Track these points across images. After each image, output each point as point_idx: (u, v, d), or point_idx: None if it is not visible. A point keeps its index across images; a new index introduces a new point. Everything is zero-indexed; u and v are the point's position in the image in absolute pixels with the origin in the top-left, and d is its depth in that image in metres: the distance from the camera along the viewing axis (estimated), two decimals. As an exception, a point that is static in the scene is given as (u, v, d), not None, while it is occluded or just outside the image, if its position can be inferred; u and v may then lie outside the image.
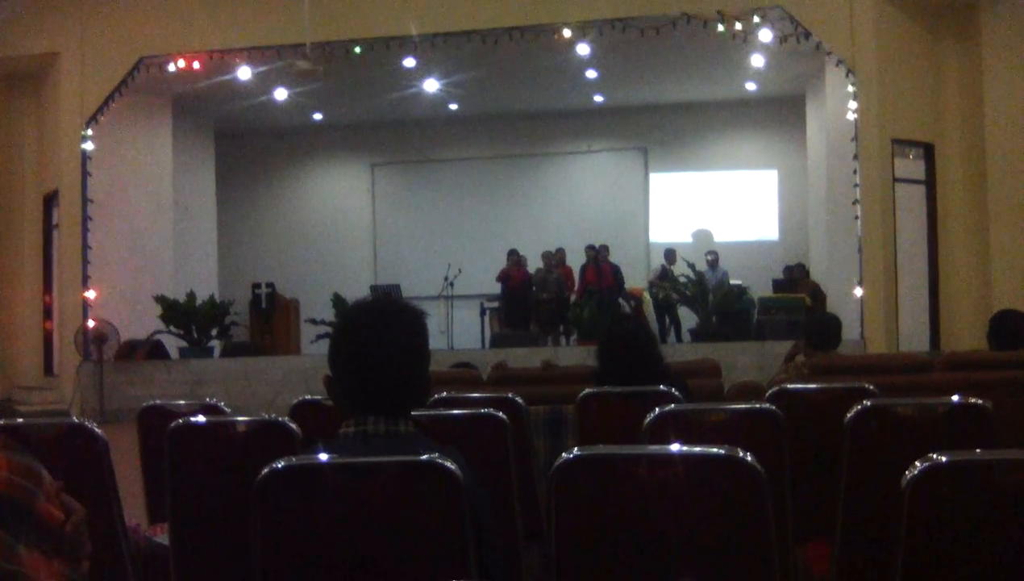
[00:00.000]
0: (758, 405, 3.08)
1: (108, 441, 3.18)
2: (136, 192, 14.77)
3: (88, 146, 13.74)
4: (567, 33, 12.66)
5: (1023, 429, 5.28)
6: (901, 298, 12.15)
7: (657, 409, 3.00)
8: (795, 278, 15.12)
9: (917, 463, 1.93)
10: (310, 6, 11.30)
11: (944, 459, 1.91)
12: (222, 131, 17.21)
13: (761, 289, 14.76)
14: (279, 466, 2.09)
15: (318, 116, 17.51)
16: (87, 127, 13.68)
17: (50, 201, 14.67)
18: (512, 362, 12.09)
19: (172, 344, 13.89)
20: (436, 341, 14.76)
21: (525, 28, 12.60)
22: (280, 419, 3.10)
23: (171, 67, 13.49)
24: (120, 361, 13.07)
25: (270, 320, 15.99)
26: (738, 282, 14.61)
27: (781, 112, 16.69)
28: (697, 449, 2.04)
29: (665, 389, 3.83)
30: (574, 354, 12.56)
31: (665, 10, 12.22)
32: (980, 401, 2.92)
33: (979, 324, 10.85)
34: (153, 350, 13.59)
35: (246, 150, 18.38)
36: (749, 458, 2.01)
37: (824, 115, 13.96)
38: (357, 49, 13.09)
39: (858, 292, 11.89)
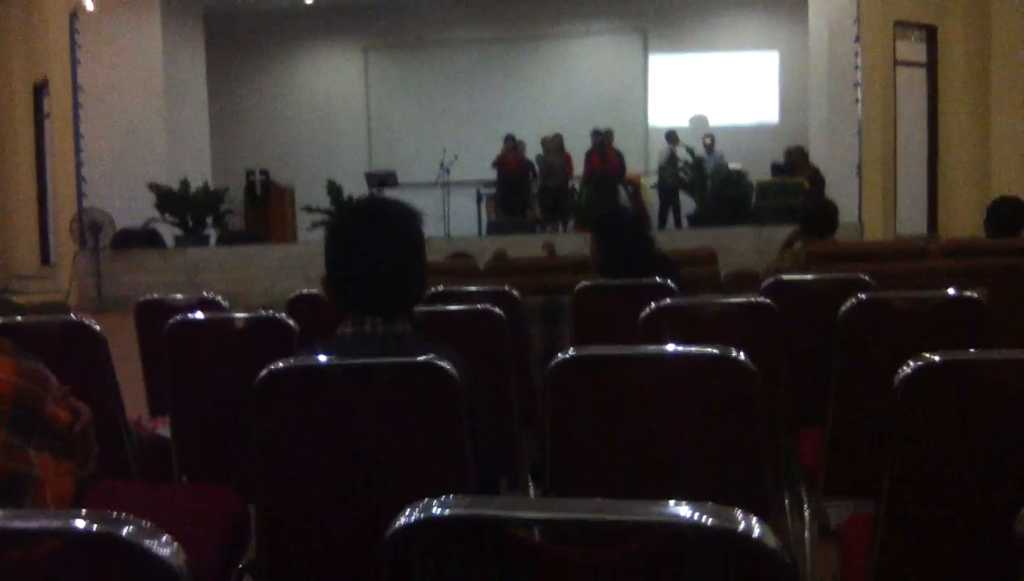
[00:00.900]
0: (753, 299, 3.08)
1: (106, 338, 3.20)
2: (126, 78, 14.54)
3: (76, 33, 13.47)
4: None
5: (1018, 316, 5.34)
6: (899, 182, 12.11)
7: (653, 303, 3.00)
8: (794, 161, 15.00)
9: (910, 362, 1.94)
10: None
11: (937, 358, 1.92)
12: (212, 13, 16.84)
13: (760, 173, 14.64)
14: (278, 367, 2.10)
15: (308, -2, 17.15)
16: (75, 14, 13.40)
17: (40, 90, 14.48)
18: (510, 250, 12.14)
19: (167, 232, 13.87)
20: (433, 228, 14.77)
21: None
22: (278, 315, 3.12)
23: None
24: (116, 249, 13.07)
25: (265, 207, 15.93)
26: (737, 166, 14.50)
27: (783, -9, 16.34)
28: (691, 349, 2.05)
29: (661, 281, 3.83)
30: (572, 241, 12.57)
31: None
32: (975, 294, 2.92)
33: (977, 208, 10.83)
34: (149, 238, 13.58)
35: (237, 33, 18.02)
36: (742, 356, 2.02)
37: (826, -5, 13.68)
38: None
39: (857, 176, 11.84)
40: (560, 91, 17.46)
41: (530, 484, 3.52)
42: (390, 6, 17.60)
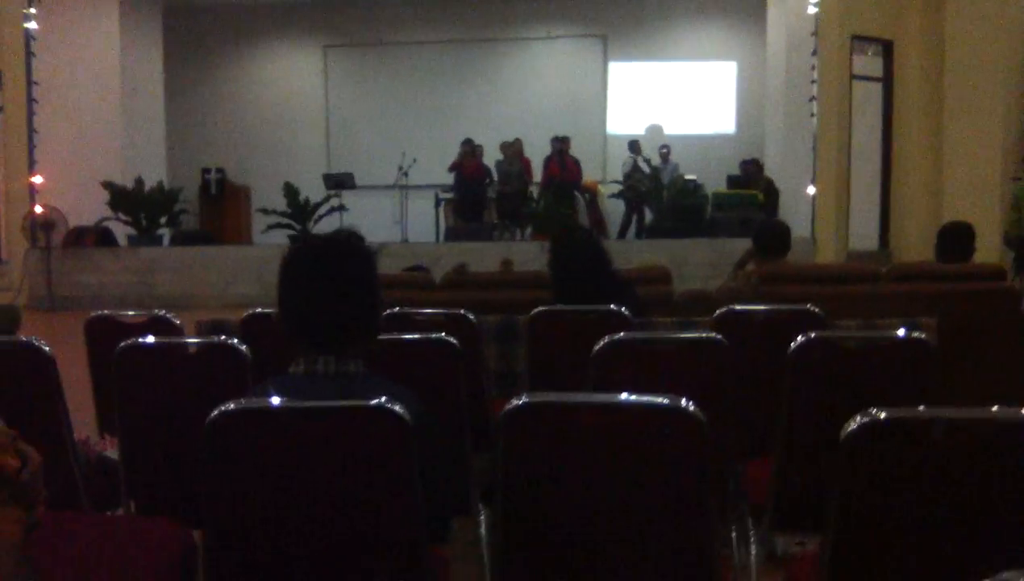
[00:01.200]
0: (704, 335, 3.12)
1: (55, 358, 3.17)
2: (82, 73, 14.36)
3: (32, 25, 13.28)
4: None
5: (967, 341, 5.43)
6: (853, 196, 12.26)
7: (607, 337, 3.03)
8: (749, 173, 15.15)
9: (856, 417, 1.97)
10: None
11: (882, 415, 1.95)
12: (171, 7, 16.68)
13: (716, 184, 14.79)
14: (229, 408, 2.09)
15: (269, -7, 17.05)
16: (30, 5, 13.20)
17: (-8, 83, 14.24)
18: (467, 257, 12.13)
19: (121, 231, 13.71)
20: (390, 232, 14.78)
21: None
22: (230, 341, 3.10)
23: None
24: (68, 248, 12.90)
25: (221, 207, 15.82)
26: (692, 177, 14.61)
27: (742, 3, 16.50)
28: (643, 398, 2.08)
29: (616, 309, 3.86)
30: (529, 249, 12.57)
31: None
32: (923, 335, 2.98)
33: (929, 224, 11.02)
34: (101, 237, 13.42)
35: (196, 28, 17.85)
36: (691, 407, 2.05)
37: (785, 7, 13.83)
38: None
39: (811, 190, 11.96)
40: (520, 95, 17.50)
41: (480, 509, 3.52)
42: (351, 5, 17.54)
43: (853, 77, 12.22)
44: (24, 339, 3.18)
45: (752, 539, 3.27)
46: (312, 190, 14.36)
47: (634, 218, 15.07)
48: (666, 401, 2.07)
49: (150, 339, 3.20)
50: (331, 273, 2.28)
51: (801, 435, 2.98)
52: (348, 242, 2.38)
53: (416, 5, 17.54)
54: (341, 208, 14.13)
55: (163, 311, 4.02)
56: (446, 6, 17.55)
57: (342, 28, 18.05)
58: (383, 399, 2.08)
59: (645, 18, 17.22)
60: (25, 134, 13.32)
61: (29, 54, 13.32)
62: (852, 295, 5.60)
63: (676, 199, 13.68)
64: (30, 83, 13.32)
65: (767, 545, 3.63)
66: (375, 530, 2.18)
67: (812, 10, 11.99)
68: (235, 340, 3.09)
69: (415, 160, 14.97)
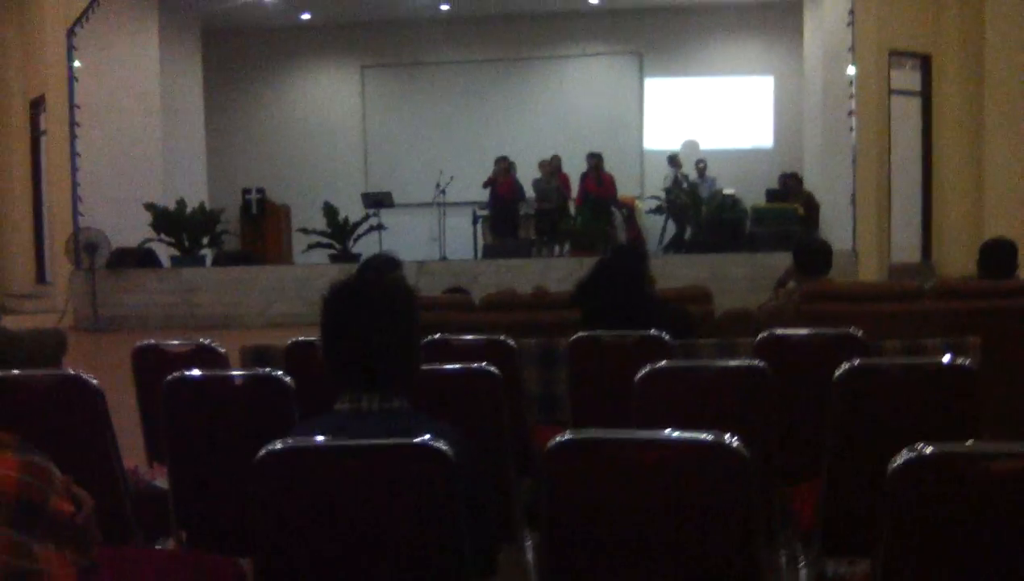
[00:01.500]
0: (747, 362, 3.12)
1: (103, 391, 3.22)
2: (123, 96, 14.57)
3: (73, 50, 13.50)
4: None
5: (1011, 359, 5.37)
6: (894, 210, 12.16)
7: (648, 366, 3.04)
8: (788, 187, 15.07)
9: (903, 452, 1.97)
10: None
11: (928, 450, 1.94)
12: (209, 30, 16.90)
13: (755, 198, 14.71)
14: (276, 448, 2.13)
15: (306, 16, 17.19)
16: (72, 30, 13.43)
17: (36, 107, 14.50)
18: (505, 273, 12.18)
19: (163, 252, 13.89)
20: (429, 250, 14.85)
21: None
22: (274, 374, 3.13)
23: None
24: (112, 269, 13.09)
25: (261, 226, 15.96)
26: (731, 191, 14.55)
27: (779, 18, 16.41)
28: (687, 435, 2.08)
29: (656, 334, 3.86)
30: (568, 266, 12.60)
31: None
32: (967, 361, 2.96)
33: (971, 237, 10.91)
34: (144, 258, 13.59)
35: (233, 50, 18.07)
36: (735, 443, 2.05)
37: (822, 22, 13.76)
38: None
39: (851, 204, 11.89)
40: (556, 112, 17.53)
41: (526, 536, 3.53)
42: (388, 26, 17.67)
43: (891, 91, 12.14)
44: (72, 373, 3.23)
45: (801, 563, 3.26)
46: (351, 209, 14.47)
47: (675, 231, 15.02)
48: (710, 438, 2.07)
49: (196, 372, 3.24)
50: (371, 313, 2.31)
51: (848, 462, 2.97)
52: (387, 281, 2.41)
53: (452, 25, 17.64)
54: (380, 227, 14.22)
55: (208, 340, 4.07)
56: (481, 26, 17.64)
57: (379, 48, 18.19)
58: (427, 437, 2.10)
59: (680, 34, 17.20)
60: (68, 158, 13.53)
61: (71, 79, 13.54)
62: (895, 313, 5.55)
63: (715, 214, 13.64)
64: (72, 107, 13.54)
65: (817, 567, 3.60)
66: (422, 566, 2.20)
67: (848, 25, 11.91)
68: (280, 372, 3.13)
69: (452, 178, 15.03)
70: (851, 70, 11.89)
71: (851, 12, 11.83)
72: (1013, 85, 11.70)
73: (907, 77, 12.38)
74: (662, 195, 15.18)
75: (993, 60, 11.90)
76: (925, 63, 12.45)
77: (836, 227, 12.71)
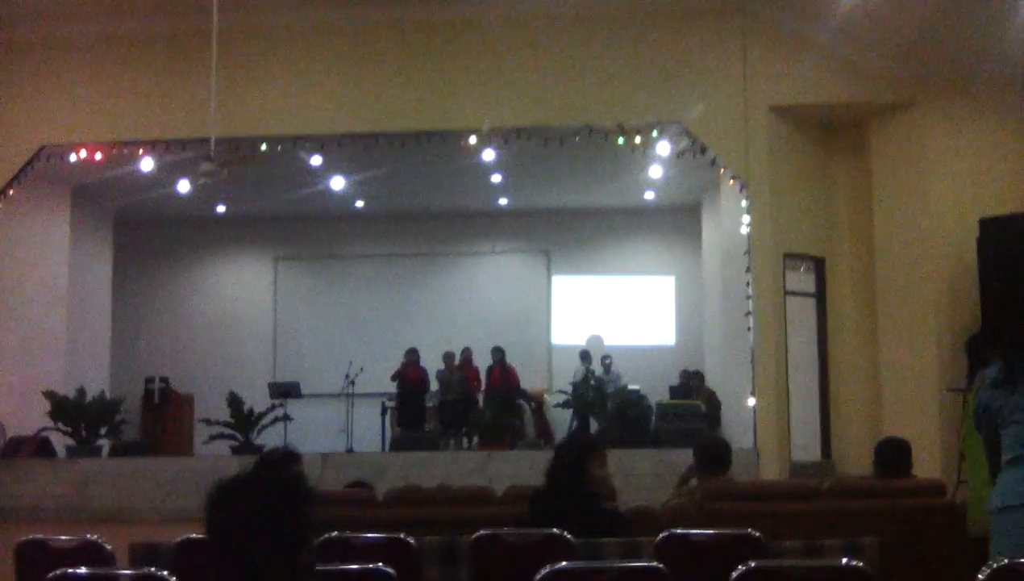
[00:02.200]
0: (645, 564, 3.12)
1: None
2: (30, 282, 14.40)
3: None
4: (473, 140, 12.85)
5: (905, 555, 5.45)
6: (793, 408, 12.41)
7: (548, 567, 3.03)
8: (691, 385, 15.38)
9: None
10: (216, 102, 11.28)
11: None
12: (122, 220, 16.91)
13: (658, 394, 14.97)
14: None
15: (221, 208, 17.36)
16: (-20, 215, 13.36)
17: (-61, 291, 14.21)
18: (412, 467, 12.04)
19: (60, 441, 13.45)
20: (336, 441, 14.66)
21: (432, 133, 12.76)
22: (160, 573, 3.03)
23: (72, 157, 13.27)
24: (5, 458, 12.62)
25: (163, 416, 15.64)
26: (636, 387, 14.78)
27: (678, 221, 17.15)
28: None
29: (558, 532, 3.85)
30: (475, 459, 12.52)
31: (568, 121, 12.53)
32: (862, 564, 3.01)
33: (870, 435, 11.15)
34: (40, 447, 13.14)
35: (146, 240, 18.08)
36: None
37: (719, 226, 14.38)
38: (263, 146, 13.10)
39: (751, 402, 12.12)
40: (467, 306, 17.79)
41: None
42: (303, 220, 17.94)
43: (787, 292, 12.59)
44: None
45: None
46: (257, 400, 14.28)
47: (577, 425, 15.12)
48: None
49: (82, 570, 3.13)
50: (255, 513, 2.27)
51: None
52: (277, 478, 2.38)
53: (366, 221, 18.00)
54: (286, 418, 14.03)
55: (94, 536, 3.93)
56: (395, 222, 18.03)
57: (293, 241, 18.41)
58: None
59: (585, 235, 17.81)
60: (-32, 343, 13.21)
61: (-23, 263, 13.38)
62: (794, 513, 5.64)
63: (621, 409, 13.79)
64: (-24, 293, 13.32)
65: None
66: None
67: (745, 229, 12.45)
68: (166, 572, 3.03)
69: (362, 369, 15.01)
70: (747, 272, 12.36)
71: (747, 216, 12.41)
72: (903, 288, 12.26)
73: (802, 279, 12.89)
74: (569, 389, 15.33)
75: (883, 263, 12.51)
76: (819, 265, 13.01)
77: (737, 425, 12.93)
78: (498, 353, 15.38)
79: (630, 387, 14.69)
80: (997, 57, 11.46)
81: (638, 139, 12.61)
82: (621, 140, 12.53)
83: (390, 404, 15.49)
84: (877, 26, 11.90)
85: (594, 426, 14.55)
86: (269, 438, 13.49)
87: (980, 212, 11.58)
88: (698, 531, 3.87)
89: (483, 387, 15.33)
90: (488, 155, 13.36)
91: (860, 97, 12.54)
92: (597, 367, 15.39)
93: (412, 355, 15.28)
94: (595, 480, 4.43)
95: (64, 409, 13.32)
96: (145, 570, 3.12)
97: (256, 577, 2.25)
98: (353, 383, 14.98)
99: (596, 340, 17.07)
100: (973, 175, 12.18)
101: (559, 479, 4.47)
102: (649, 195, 16.31)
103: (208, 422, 13.73)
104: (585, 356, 15.92)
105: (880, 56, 12.23)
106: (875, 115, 12.75)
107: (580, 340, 17.01)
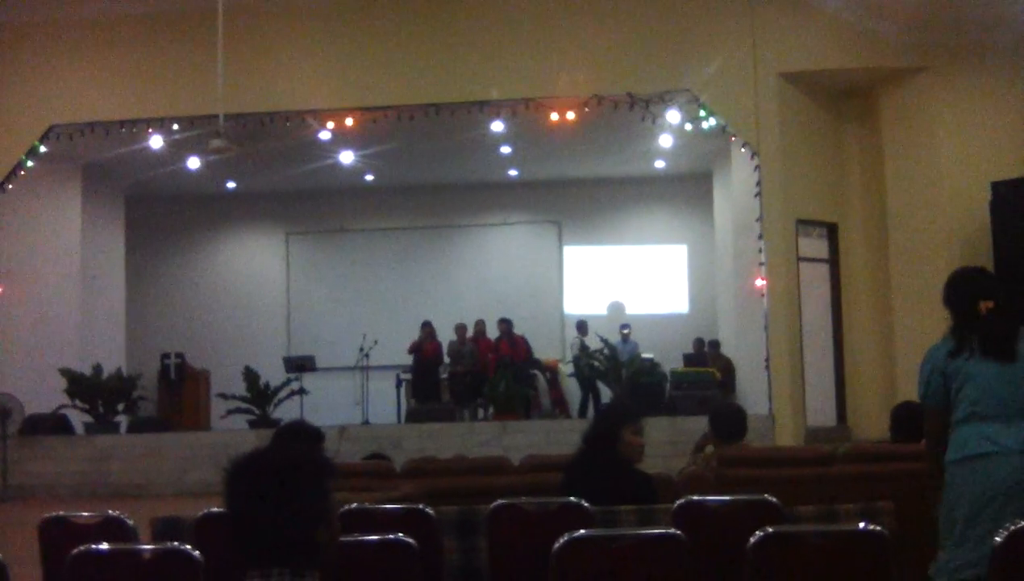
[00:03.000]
0: (663, 531, 3.14)
1: (7, 565, 3.13)
2: (43, 261, 14.48)
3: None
4: (482, 113, 12.83)
5: (922, 521, 5.46)
6: (807, 373, 12.41)
7: (566, 535, 3.05)
8: (705, 352, 15.38)
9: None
10: (225, 78, 11.27)
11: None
12: (133, 197, 16.96)
13: (672, 362, 14.98)
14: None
15: (232, 184, 17.38)
16: (-7, 194, 13.41)
17: (-47, 271, 14.27)
18: (429, 438, 12.11)
19: (78, 418, 13.55)
20: (351, 414, 14.73)
21: (440, 105, 12.73)
22: (182, 547, 3.07)
23: (82, 135, 13.29)
24: (24, 436, 12.72)
25: (179, 392, 15.72)
26: (649, 356, 14.79)
27: (689, 189, 17.10)
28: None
29: (576, 501, 3.87)
30: (490, 430, 12.59)
31: (577, 92, 12.48)
32: (880, 528, 3.02)
33: (885, 399, 11.16)
34: (58, 425, 13.25)
35: (158, 217, 18.13)
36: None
37: (730, 193, 14.32)
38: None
39: (765, 369, 12.12)
40: (479, 278, 17.80)
41: None
42: (313, 195, 17.94)
43: (800, 259, 12.57)
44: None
45: None
46: (273, 374, 14.35)
47: (590, 397, 15.13)
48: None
49: (104, 545, 3.16)
50: (275, 486, 2.26)
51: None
52: (293, 454, 2.37)
53: (378, 194, 17.98)
54: (302, 391, 14.11)
55: (116, 512, 3.97)
56: (405, 195, 18.01)
57: (304, 216, 18.43)
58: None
59: (597, 205, 17.76)
60: (-18, 322, 13.29)
61: (-10, 243, 13.44)
62: (810, 478, 5.63)
63: (635, 378, 13.81)
64: (-10, 272, 13.39)
65: None
66: None
67: (756, 196, 12.41)
68: (188, 546, 3.07)
69: (376, 342, 15.06)
70: (760, 239, 12.33)
71: (758, 184, 12.36)
72: (916, 252, 12.22)
73: (815, 245, 12.86)
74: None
75: (896, 228, 12.46)
76: (832, 231, 12.97)
77: (752, 391, 12.94)
78: (504, 324, 15.38)
79: (644, 356, 14.69)
80: (1007, 21, 11.38)
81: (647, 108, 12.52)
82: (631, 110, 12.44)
83: (405, 376, 15.53)
84: (886, -10, 11.81)
85: (607, 394, 14.56)
86: (285, 411, 13.57)
87: (992, 175, 11.53)
88: (715, 497, 3.89)
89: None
90: (497, 127, 13.34)
91: (870, 63, 12.45)
92: (614, 335, 15.34)
93: (428, 327, 15.30)
94: (628, 446, 4.52)
95: (80, 386, 13.41)
96: (168, 545, 3.15)
97: (281, 550, 2.26)
98: (367, 356, 15.04)
99: (617, 308, 17.09)
100: (984, 138, 12.12)
101: (593, 443, 4.54)
102: (660, 164, 16.26)
103: (225, 397, 13.80)
104: (581, 327, 15.92)
105: (890, 21, 12.13)
106: (886, 80, 12.67)
107: (592, 309, 17.02)
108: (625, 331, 15.70)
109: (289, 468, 2.30)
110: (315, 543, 2.31)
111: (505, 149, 15.24)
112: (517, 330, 15.65)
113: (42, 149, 13.36)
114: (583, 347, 15.33)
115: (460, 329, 15.48)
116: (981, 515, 3.71)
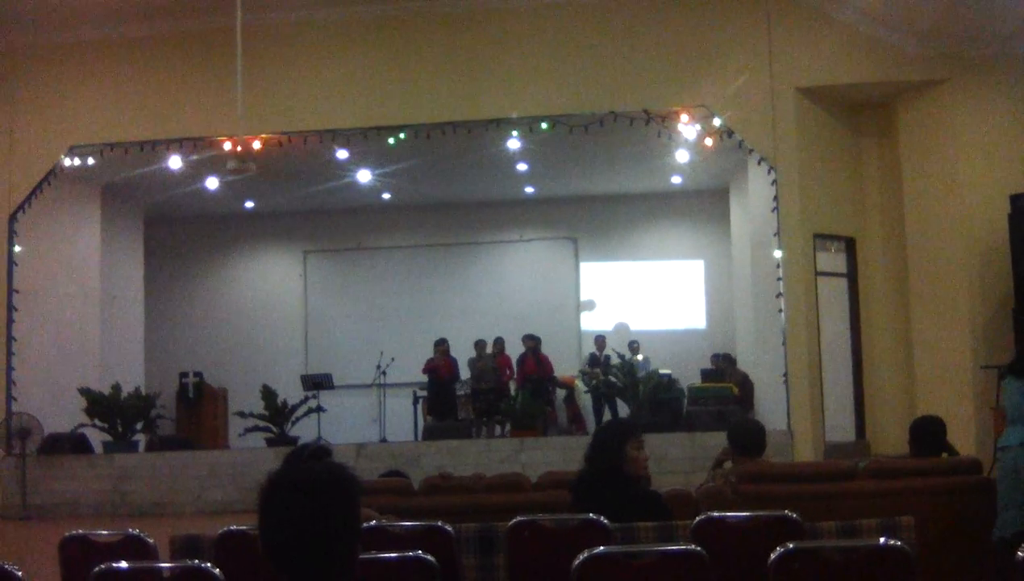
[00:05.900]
0: (683, 548, 3.13)
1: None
2: (63, 281, 14.56)
3: (15, 236, 13.53)
4: (499, 130, 12.87)
5: (943, 534, 5.43)
6: (826, 388, 12.36)
7: (585, 552, 3.04)
8: (722, 367, 15.33)
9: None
10: (242, 99, 11.35)
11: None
12: (152, 217, 17.08)
13: (689, 378, 14.94)
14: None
15: (250, 204, 17.48)
16: (14, 216, 13.49)
17: (-27, 291, 14.36)
18: (446, 455, 12.11)
19: (97, 438, 13.61)
20: (368, 432, 14.75)
21: (457, 124, 12.78)
22: (203, 565, 3.08)
23: (101, 155, 13.40)
24: (43, 455, 12.78)
25: (198, 410, 15.78)
26: (667, 371, 14.75)
27: (706, 204, 17.08)
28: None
29: (595, 518, 3.86)
30: (508, 446, 12.57)
31: (593, 108, 12.50)
32: (901, 543, 3.00)
33: (904, 414, 11.10)
34: (77, 444, 13.30)
35: (176, 236, 18.26)
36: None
37: (748, 208, 14.30)
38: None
39: (783, 384, 12.07)
40: (495, 295, 17.81)
41: None
42: (331, 213, 18.01)
43: (818, 273, 12.53)
44: (-4, 565, 3.14)
45: None
46: (290, 392, 14.39)
47: (605, 409, 15.11)
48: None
49: (124, 564, 3.18)
50: (311, 509, 2.27)
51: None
52: (325, 471, 2.37)
53: (395, 212, 18.03)
54: (319, 409, 14.13)
55: (136, 530, 3.98)
56: (422, 213, 18.06)
57: (321, 235, 18.50)
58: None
59: (613, 221, 17.76)
60: (4, 343, 13.35)
61: (11, 263, 13.51)
62: (830, 494, 5.61)
63: (653, 394, 13.77)
64: (11, 292, 13.45)
65: None
66: None
67: (773, 211, 12.38)
68: (208, 564, 3.07)
69: (393, 359, 15.08)
70: (777, 253, 12.30)
71: (775, 198, 12.34)
72: (935, 266, 12.17)
73: (833, 259, 12.81)
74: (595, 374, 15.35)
75: (914, 243, 12.41)
76: (850, 245, 12.93)
77: (771, 407, 12.88)
78: (531, 341, 15.31)
79: (661, 371, 14.65)
80: (1025, 33, 11.33)
81: (664, 124, 12.54)
82: (647, 125, 12.46)
83: (421, 394, 15.54)
84: (902, 4, 11.79)
85: (624, 410, 14.53)
86: (303, 430, 13.59)
87: (1010, 188, 11.47)
88: (734, 514, 3.87)
89: (515, 376, 15.29)
90: (513, 144, 13.38)
91: (887, 76, 12.43)
92: (624, 352, 15.32)
93: (443, 345, 15.29)
94: (632, 462, 4.45)
95: (100, 405, 13.47)
96: (187, 563, 3.16)
97: (313, 567, 2.26)
98: (384, 373, 15.06)
99: (622, 326, 17.08)
100: (1002, 152, 12.06)
101: (597, 462, 4.51)
102: (676, 179, 16.26)
103: (243, 415, 13.84)
104: (599, 341, 15.95)
105: (907, 34, 12.11)
106: (903, 94, 12.64)
107: (608, 326, 17.01)
108: (634, 346, 15.67)
109: (331, 483, 2.31)
110: (353, 559, 2.31)
111: (521, 166, 15.26)
112: (534, 347, 15.63)
113: (63, 168, 13.47)
114: (592, 361, 15.31)
115: (481, 345, 15.45)
116: None
